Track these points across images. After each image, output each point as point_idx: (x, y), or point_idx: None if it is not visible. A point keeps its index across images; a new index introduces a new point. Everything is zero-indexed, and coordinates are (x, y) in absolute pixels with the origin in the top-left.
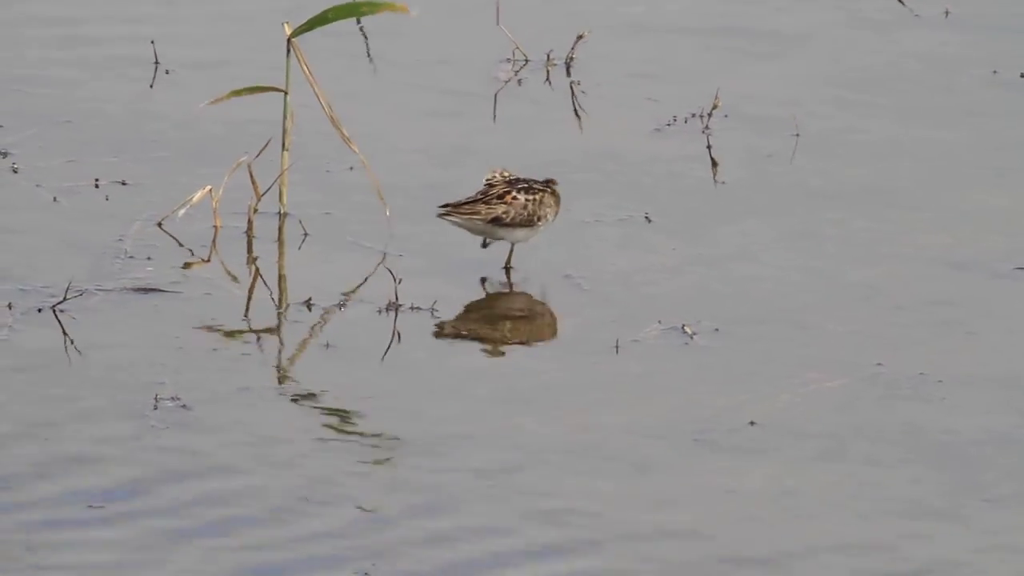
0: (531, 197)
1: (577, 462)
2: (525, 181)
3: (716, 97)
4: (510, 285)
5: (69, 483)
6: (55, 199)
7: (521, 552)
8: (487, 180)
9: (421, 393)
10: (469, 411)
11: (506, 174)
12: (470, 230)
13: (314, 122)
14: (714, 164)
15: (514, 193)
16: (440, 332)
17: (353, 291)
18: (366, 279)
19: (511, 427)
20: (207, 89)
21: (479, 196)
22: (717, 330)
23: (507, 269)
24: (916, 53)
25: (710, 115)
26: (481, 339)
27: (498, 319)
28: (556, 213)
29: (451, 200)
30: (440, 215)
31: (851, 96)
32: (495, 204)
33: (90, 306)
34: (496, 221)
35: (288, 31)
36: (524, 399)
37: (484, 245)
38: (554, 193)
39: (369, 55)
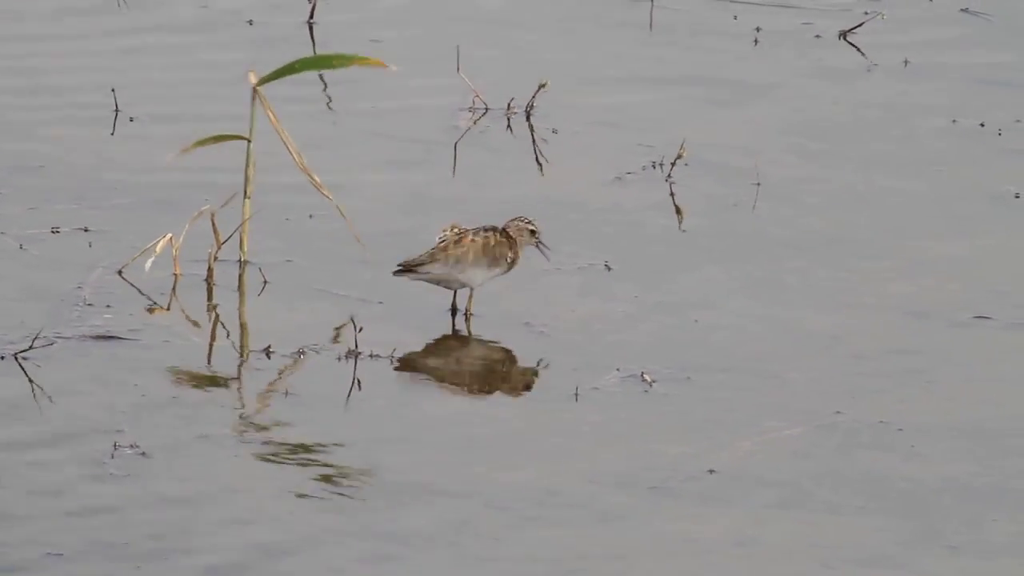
0: (487, 236)
1: (536, 510)
2: (475, 229)
3: (682, 147)
4: (469, 331)
5: (26, 530)
6: (21, 246)
7: None
8: (440, 237)
9: (381, 441)
10: (428, 459)
11: (456, 229)
12: (430, 280)
13: (274, 170)
14: (677, 212)
15: (470, 236)
16: (399, 380)
17: (313, 339)
18: (326, 327)
19: (470, 475)
20: (168, 136)
21: (435, 248)
22: (678, 378)
23: (467, 315)
24: (876, 102)
25: (673, 164)
26: (440, 387)
27: (458, 366)
28: (514, 255)
29: (406, 257)
30: (395, 273)
31: (812, 145)
32: (452, 248)
33: (49, 354)
34: (458, 263)
35: (254, 80)
36: (483, 447)
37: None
38: (508, 236)
39: (330, 104)
